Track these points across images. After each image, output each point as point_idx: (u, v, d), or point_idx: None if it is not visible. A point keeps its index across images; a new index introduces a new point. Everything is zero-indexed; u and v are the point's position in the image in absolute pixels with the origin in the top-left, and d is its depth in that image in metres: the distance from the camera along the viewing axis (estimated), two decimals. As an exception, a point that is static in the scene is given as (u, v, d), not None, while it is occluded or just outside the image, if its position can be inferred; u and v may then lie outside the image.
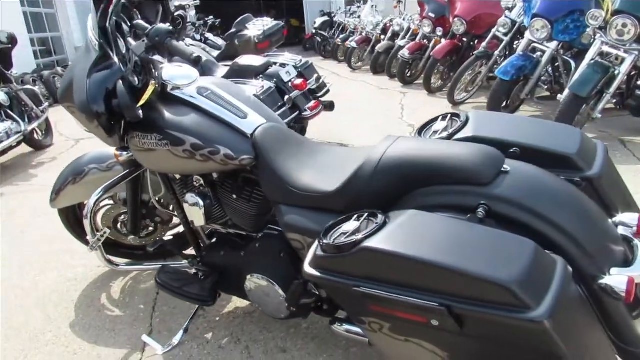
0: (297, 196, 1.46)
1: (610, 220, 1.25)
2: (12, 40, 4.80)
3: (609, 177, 1.34)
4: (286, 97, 3.90)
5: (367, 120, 5.08)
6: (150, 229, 2.22)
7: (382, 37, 8.25)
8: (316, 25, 12.48)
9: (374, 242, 1.10)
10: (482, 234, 1.08)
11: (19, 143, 4.68)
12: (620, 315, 1.15)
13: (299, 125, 4.22)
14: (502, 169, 1.22)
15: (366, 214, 1.22)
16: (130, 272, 2.37)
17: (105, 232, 1.94)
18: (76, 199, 2.16)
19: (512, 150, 1.35)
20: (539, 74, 4.36)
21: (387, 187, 1.30)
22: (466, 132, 1.44)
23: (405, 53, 6.58)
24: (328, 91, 4.32)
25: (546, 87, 4.67)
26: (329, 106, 4.25)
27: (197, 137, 1.55)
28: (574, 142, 1.35)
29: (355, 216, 1.23)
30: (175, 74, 1.63)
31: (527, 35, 4.34)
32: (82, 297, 2.23)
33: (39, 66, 9.67)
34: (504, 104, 4.46)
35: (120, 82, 1.52)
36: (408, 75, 6.89)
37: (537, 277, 0.98)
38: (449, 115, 1.56)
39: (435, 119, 1.58)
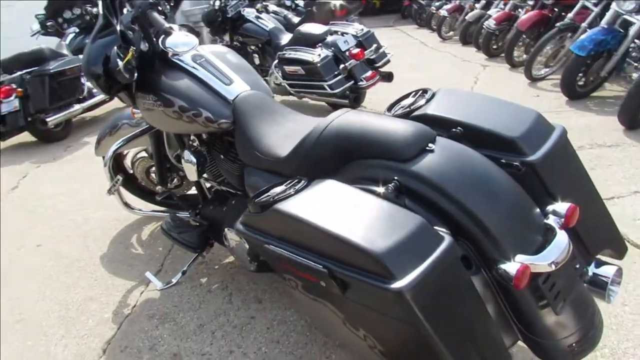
0: (260, 160, 1.57)
1: (537, 209, 1.21)
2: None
3: (555, 163, 1.29)
4: (341, 65, 3.96)
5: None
6: (176, 182, 2.46)
7: (476, 5, 7.83)
8: (415, -8, 12.06)
9: (282, 205, 1.19)
10: (377, 206, 1.11)
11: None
12: (525, 304, 1.14)
13: (354, 95, 4.27)
14: (427, 147, 1.23)
15: (295, 181, 1.31)
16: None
17: (118, 180, 2.20)
18: (129, 148, 2.46)
19: (454, 130, 1.34)
20: (625, 49, 3.95)
21: (326, 156, 1.37)
22: (423, 109, 1.44)
23: (491, 23, 6.22)
24: (388, 61, 4.29)
25: (636, 64, 4.22)
26: (387, 77, 4.22)
27: (183, 99, 1.72)
28: (523, 125, 1.31)
29: (287, 181, 1.32)
30: (176, 41, 1.82)
31: (614, 6, 3.93)
32: (117, 235, 2.56)
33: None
34: (582, 82, 4.12)
35: (115, 47, 1.72)
36: (494, 47, 6.52)
37: (411, 251, 1.01)
38: (420, 92, 1.56)
39: (407, 95, 1.59)
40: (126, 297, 2.03)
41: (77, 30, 5.15)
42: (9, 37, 5.74)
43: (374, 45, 4.17)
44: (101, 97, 5.04)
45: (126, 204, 2.30)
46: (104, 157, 2.57)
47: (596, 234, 1.34)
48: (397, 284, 0.96)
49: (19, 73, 4.15)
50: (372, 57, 4.17)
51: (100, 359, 1.70)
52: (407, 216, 1.08)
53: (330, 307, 1.21)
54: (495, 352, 1.09)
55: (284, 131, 1.61)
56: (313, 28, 4.31)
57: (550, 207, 1.22)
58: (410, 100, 1.54)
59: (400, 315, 1.01)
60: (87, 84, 4.81)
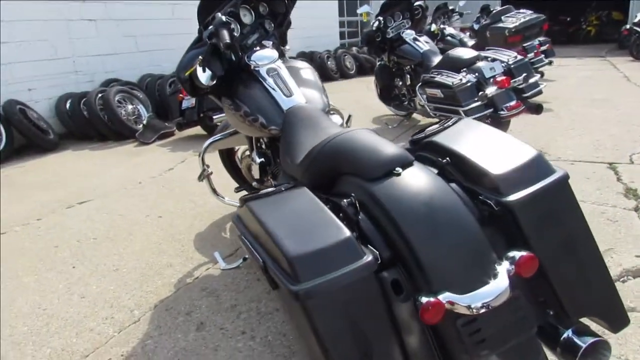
0: (287, 165, 1.71)
1: (490, 252, 1.10)
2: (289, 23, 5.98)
3: (540, 209, 1.16)
4: (480, 92, 3.81)
5: (595, 132, 4.38)
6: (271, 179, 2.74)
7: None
8: (636, 20, 10.60)
9: (252, 202, 1.32)
10: (319, 216, 1.16)
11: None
12: (447, 342, 1.07)
13: (494, 123, 4.04)
14: (394, 171, 1.23)
15: (284, 185, 1.42)
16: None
17: (207, 168, 2.53)
18: (224, 145, 2.84)
19: (443, 160, 1.31)
20: None
21: (323, 169, 1.45)
22: (433, 136, 1.43)
23: None
24: (539, 93, 3.97)
25: None
26: (535, 109, 3.91)
27: (248, 105, 1.95)
28: (513, 164, 1.20)
29: (279, 186, 1.44)
30: (260, 55, 2.07)
31: None
32: (219, 220, 2.93)
33: (344, 45, 11.34)
34: None
35: (200, 57, 2.03)
36: None
37: (326, 260, 1.04)
38: (448, 120, 1.53)
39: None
40: (195, 270, 2.35)
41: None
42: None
43: (524, 75, 3.91)
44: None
45: (214, 191, 2.64)
46: (220, 152, 2.99)
47: (582, 297, 1.16)
48: (297, 287, 1.01)
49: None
50: (520, 87, 3.92)
51: (149, 312, 2.03)
52: (337, 229, 1.11)
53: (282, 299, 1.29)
54: None
55: (311, 141, 1.72)
56: (462, 52, 4.24)
57: (510, 253, 1.11)
58: (435, 127, 1.52)
59: (299, 319, 1.06)
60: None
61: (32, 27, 5.32)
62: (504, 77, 3.84)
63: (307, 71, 2.12)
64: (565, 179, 1.19)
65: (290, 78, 2.01)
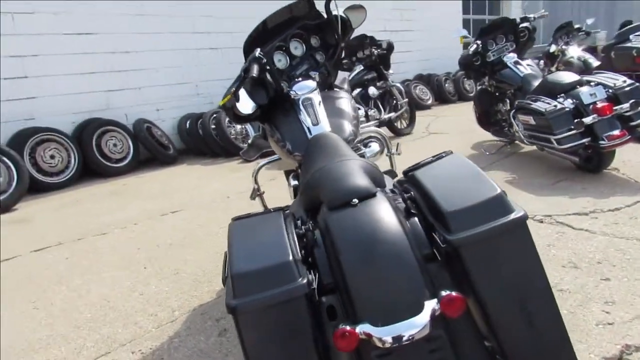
0: (298, 188, 1.81)
1: (422, 288, 1.08)
2: (390, 46, 6.05)
3: (490, 250, 1.10)
4: (576, 120, 3.50)
5: None
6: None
7: None
8: None
9: (235, 222, 1.42)
10: (274, 238, 1.24)
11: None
12: None
13: (596, 154, 3.66)
14: (351, 202, 1.26)
15: (272, 209, 1.51)
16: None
17: (259, 188, 2.69)
18: (274, 167, 2.97)
19: (404, 193, 1.32)
20: None
21: (309, 197, 1.51)
22: (415, 170, 1.43)
23: None
24: (651, 120, 3.52)
25: None
26: (645, 139, 3.49)
27: (280, 132, 2.08)
28: (470, 200, 1.16)
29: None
30: (300, 86, 2.20)
31: None
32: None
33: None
34: None
35: (232, 88, 2.20)
36: None
37: (263, 281, 1.12)
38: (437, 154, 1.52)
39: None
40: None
41: (362, 67, 6.05)
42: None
43: (632, 101, 3.51)
44: (369, 123, 5.81)
45: (265, 207, 2.79)
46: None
47: (529, 347, 1.07)
48: (231, 301, 1.11)
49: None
50: (627, 114, 3.52)
51: (186, 314, 2.23)
52: (282, 253, 1.18)
53: None
54: None
55: (317, 168, 1.79)
56: (562, 76, 3.93)
57: (442, 292, 1.08)
58: (427, 159, 1.51)
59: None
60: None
61: (165, 55, 6.10)
62: (605, 104, 3.49)
63: (343, 101, 2.19)
64: (521, 220, 1.11)
65: (321, 107, 2.10)
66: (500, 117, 5.03)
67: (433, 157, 1.51)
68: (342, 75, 6.13)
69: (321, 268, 1.20)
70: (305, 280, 1.09)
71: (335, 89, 2.34)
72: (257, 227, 1.32)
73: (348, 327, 1.03)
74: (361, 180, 1.31)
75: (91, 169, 5.20)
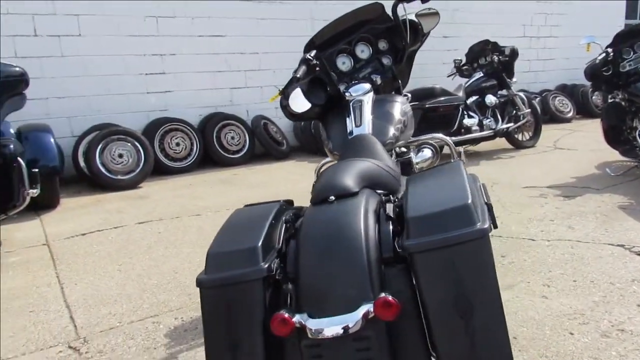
0: None
1: (366, 290, 1.05)
2: (513, 53, 5.66)
3: (441, 260, 1.05)
4: None
5: None
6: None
7: None
8: None
9: (237, 209, 1.52)
10: (256, 226, 1.29)
11: (488, 137, 5.60)
12: (296, 355, 1.09)
13: None
14: (328, 199, 1.27)
15: (278, 200, 1.57)
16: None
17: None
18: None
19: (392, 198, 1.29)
20: None
21: (318, 193, 1.55)
22: (417, 173, 1.41)
23: None
24: None
25: None
26: None
27: (327, 130, 2.13)
28: (433, 209, 1.12)
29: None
30: (355, 88, 2.22)
31: None
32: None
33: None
34: None
35: (298, 87, 2.27)
36: None
37: (228, 260, 1.19)
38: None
39: None
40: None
41: (482, 74, 5.75)
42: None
43: None
44: (483, 133, 5.52)
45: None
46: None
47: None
48: (200, 276, 1.20)
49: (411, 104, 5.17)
50: None
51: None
52: (254, 238, 1.23)
53: None
54: None
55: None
56: None
57: (381, 295, 1.05)
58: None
59: None
60: (465, 121, 5.39)
61: (287, 57, 6.45)
62: None
63: (394, 105, 2.15)
64: (481, 233, 1.04)
65: (368, 110, 2.09)
66: (631, 134, 4.43)
67: (440, 164, 1.46)
68: (458, 81, 5.93)
69: (289, 258, 1.23)
70: (266, 266, 1.13)
71: (393, 94, 2.32)
72: (249, 215, 1.38)
73: (286, 315, 1.05)
74: (345, 180, 1.31)
75: (210, 158, 5.72)
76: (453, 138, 5.21)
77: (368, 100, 2.15)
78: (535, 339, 1.80)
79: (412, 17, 2.49)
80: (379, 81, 2.34)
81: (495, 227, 2.13)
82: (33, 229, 3.60)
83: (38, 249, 3.15)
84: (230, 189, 4.68)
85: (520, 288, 2.22)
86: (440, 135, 2.49)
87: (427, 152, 2.23)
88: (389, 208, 1.26)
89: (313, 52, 2.17)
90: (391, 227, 1.20)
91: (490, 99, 5.59)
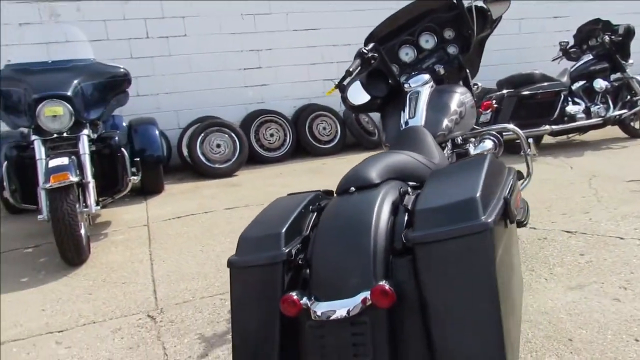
0: None
1: (369, 277, 1.10)
2: (628, 32, 5.09)
3: (434, 252, 1.06)
4: None
5: None
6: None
7: None
8: None
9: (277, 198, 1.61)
10: (286, 213, 1.35)
11: (597, 126, 5.11)
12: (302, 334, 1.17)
13: None
14: (349, 190, 1.31)
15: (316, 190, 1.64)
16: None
17: None
18: None
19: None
20: None
21: None
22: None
23: None
24: None
25: None
26: None
27: (383, 122, 2.15)
28: (441, 202, 1.13)
29: None
30: (415, 79, 2.20)
31: None
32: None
33: None
34: None
35: (358, 80, 2.28)
36: None
37: (256, 245, 1.27)
38: None
39: None
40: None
41: (592, 57, 5.25)
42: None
43: None
44: (589, 121, 5.06)
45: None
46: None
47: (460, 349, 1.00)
48: (231, 258, 1.32)
49: (504, 91, 4.91)
50: None
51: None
52: (279, 224, 1.31)
53: None
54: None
55: None
56: None
57: (379, 283, 1.08)
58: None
59: None
60: (568, 108, 4.98)
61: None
62: None
63: (452, 96, 2.10)
64: (483, 228, 1.04)
65: (423, 101, 2.07)
66: None
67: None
68: (564, 65, 5.49)
69: (309, 244, 1.29)
70: (287, 251, 1.21)
71: (453, 84, 2.25)
72: (285, 203, 1.47)
73: (295, 296, 1.13)
74: (368, 172, 1.34)
75: (303, 148, 5.92)
76: (555, 127, 4.87)
77: (426, 91, 2.13)
78: (593, 343, 1.67)
79: (480, 3, 2.39)
80: (442, 71, 2.30)
81: (523, 224, 2.00)
82: (138, 212, 4.04)
83: (139, 229, 3.54)
84: (317, 177, 4.83)
85: (591, 289, 2.06)
86: (509, 125, 2.39)
87: (487, 143, 2.15)
88: (408, 200, 1.27)
89: (370, 45, 2.18)
90: (406, 218, 1.21)
91: (600, 84, 5.09)
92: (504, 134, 2.40)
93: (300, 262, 1.24)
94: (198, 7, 5.68)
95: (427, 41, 2.41)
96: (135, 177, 3.50)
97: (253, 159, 5.58)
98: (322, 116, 6.05)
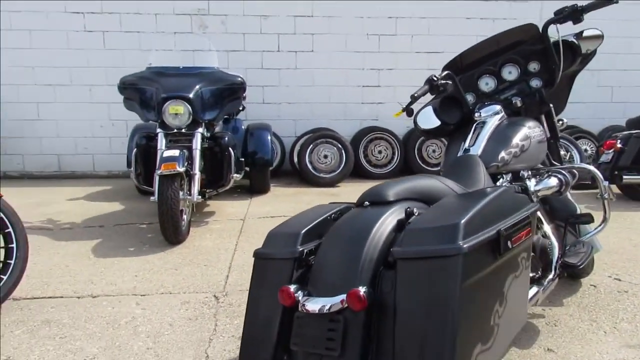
0: None
1: (354, 281, 1.22)
2: None
3: (409, 270, 1.16)
4: None
5: None
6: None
7: None
8: None
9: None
10: (313, 217, 1.52)
11: None
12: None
13: None
14: (364, 204, 1.43)
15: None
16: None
17: None
18: None
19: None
20: None
21: None
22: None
23: None
24: None
25: None
26: None
27: (447, 148, 2.19)
28: (432, 224, 1.22)
29: None
30: (486, 109, 2.21)
31: None
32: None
33: None
34: None
35: (430, 105, 2.33)
36: None
37: (279, 242, 1.44)
38: None
39: None
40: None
41: None
42: None
43: None
44: None
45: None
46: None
47: None
48: (257, 250, 1.51)
49: (633, 131, 4.47)
50: None
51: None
52: (302, 225, 1.47)
53: None
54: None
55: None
56: None
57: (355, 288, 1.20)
58: None
59: None
60: None
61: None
62: None
63: (517, 129, 2.08)
64: (455, 252, 1.12)
65: (487, 132, 2.07)
66: None
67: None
68: None
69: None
70: (300, 249, 1.38)
71: (525, 118, 2.21)
72: (319, 209, 1.63)
73: (291, 289, 1.28)
74: (386, 190, 1.46)
75: (409, 168, 5.95)
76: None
77: (493, 121, 2.14)
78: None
79: (571, 37, 2.31)
80: (518, 104, 2.28)
81: (579, 268, 1.91)
82: (241, 207, 4.44)
83: (235, 222, 3.92)
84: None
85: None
86: (589, 167, 2.26)
87: (551, 181, 2.07)
88: (414, 219, 1.35)
89: (443, 73, 2.23)
90: (402, 236, 1.30)
91: None
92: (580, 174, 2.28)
93: (311, 261, 1.38)
94: (329, 25, 6.04)
95: (510, 72, 2.38)
96: (238, 175, 3.89)
97: (358, 173, 5.76)
98: (434, 140, 6.02)
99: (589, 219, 2.16)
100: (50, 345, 2.02)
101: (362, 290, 1.17)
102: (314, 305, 1.22)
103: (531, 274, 1.93)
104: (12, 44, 5.77)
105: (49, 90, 5.93)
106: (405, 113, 2.27)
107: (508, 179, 2.06)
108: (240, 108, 5.19)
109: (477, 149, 2.02)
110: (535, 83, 2.35)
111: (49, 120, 5.99)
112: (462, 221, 1.19)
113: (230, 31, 5.92)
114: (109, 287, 2.62)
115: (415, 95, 2.15)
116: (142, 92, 3.56)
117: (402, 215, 1.39)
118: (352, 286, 1.21)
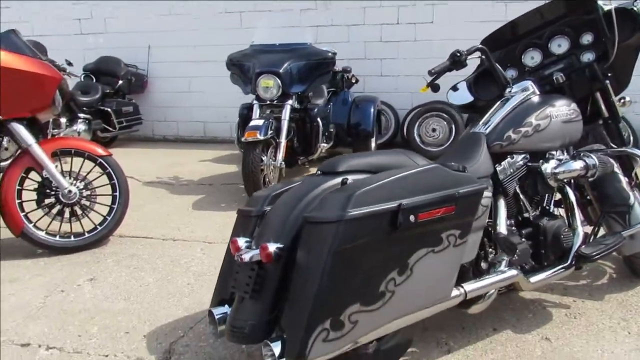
0: None
1: (288, 237, 1.48)
2: None
3: (307, 228, 1.38)
4: None
5: None
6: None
7: None
8: None
9: None
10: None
11: None
12: None
13: None
14: (317, 173, 1.62)
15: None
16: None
17: None
18: None
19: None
20: None
21: None
22: None
23: None
24: None
25: None
26: None
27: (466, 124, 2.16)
28: (347, 191, 1.40)
29: None
30: (518, 84, 2.10)
31: None
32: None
33: None
34: None
35: (464, 81, 2.25)
36: None
37: (255, 200, 1.73)
38: None
39: None
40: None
41: None
42: None
43: None
44: None
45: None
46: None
47: (288, 314, 1.41)
48: (240, 207, 1.80)
49: None
50: None
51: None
52: (277, 189, 1.71)
53: None
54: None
55: None
56: None
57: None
58: None
59: None
60: None
61: None
62: None
63: (536, 107, 1.97)
64: (336, 219, 1.32)
65: (505, 109, 1.98)
66: None
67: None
68: None
69: None
70: (264, 209, 1.65)
71: (554, 95, 2.04)
72: (304, 179, 1.83)
73: (239, 241, 1.58)
74: (340, 162, 1.67)
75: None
76: None
77: (517, 99, 2.04)
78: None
79: (630, 4, 2.05)
80: (560, 80, 2.12)
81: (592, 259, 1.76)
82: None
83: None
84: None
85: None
86: (633, 150, 2.04)
87: (575, 164, 1.93)
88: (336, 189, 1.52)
89: (474, 47, 2.15)
90: None
91: None
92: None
93: None
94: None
95: (560, 45, 2.20)
96: (325, 145, 4.13)
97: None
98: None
99: (625, 209, 1.96)
100: (125, 272, 2.56)
101: (272, 246, 1.38)
102: (245, 255, 1.45)
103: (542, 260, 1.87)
104: (176, 27, 6.73)
105: (199, 67, 6.79)
106: (430, 89, 2.26)
107: (520, 159, 1.95)
108: (353, 81, 5.43)
109: (489, 127, 1.96)
110: (587, 57, 2.15)
111: (197, 92, 6.91)
112: (357, 192, 1.31)
113: (351, 6, 6.08)
114: (189, 234, 3.12)
115: (433, 70, 2.14)
116: (242, 67, 3.98)
117: (338, 186, 1.52)
118: (269, 242, 1.42)
